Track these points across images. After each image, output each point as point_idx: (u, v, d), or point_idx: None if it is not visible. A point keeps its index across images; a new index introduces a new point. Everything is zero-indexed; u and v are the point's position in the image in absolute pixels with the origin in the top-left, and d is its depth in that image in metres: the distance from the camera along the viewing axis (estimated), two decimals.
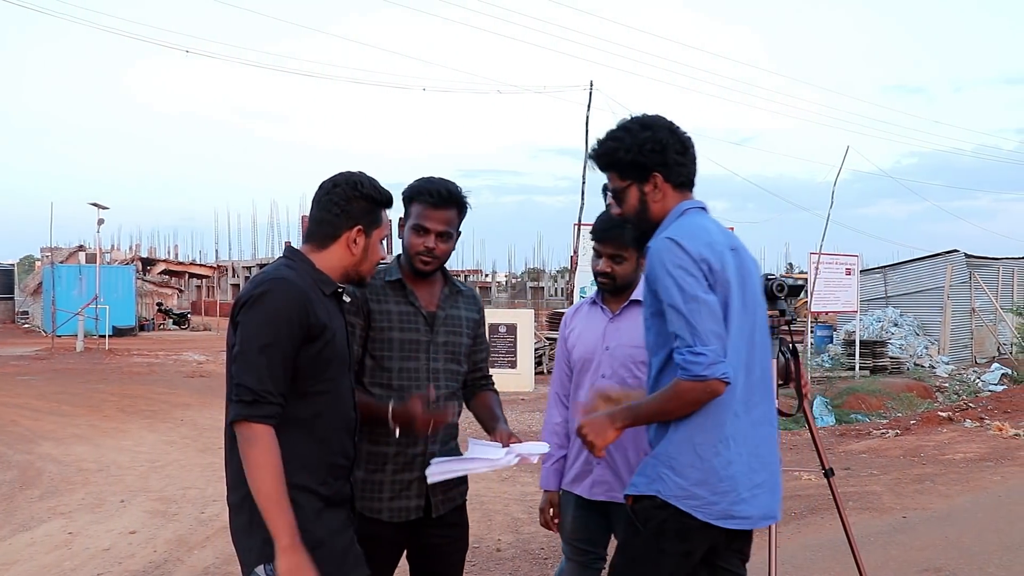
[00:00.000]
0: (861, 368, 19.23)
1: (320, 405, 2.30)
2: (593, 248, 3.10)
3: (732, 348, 2.30)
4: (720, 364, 2.22)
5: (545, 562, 5.27)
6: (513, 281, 60.03)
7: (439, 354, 2.82)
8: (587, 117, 24.61)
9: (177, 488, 7.33)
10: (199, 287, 49.80)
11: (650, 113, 2.49)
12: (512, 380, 14.01)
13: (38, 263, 38.86)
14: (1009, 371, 18.89)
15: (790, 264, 56.70)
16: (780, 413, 3.08)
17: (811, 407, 3.63)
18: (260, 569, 2.20)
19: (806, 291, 16.23)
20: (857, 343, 19.52)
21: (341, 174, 2.40)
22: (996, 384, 17.67)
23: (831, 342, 23.04)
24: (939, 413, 11.68)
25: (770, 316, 3.09)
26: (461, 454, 2.82)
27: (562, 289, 51.39)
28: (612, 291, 3.08)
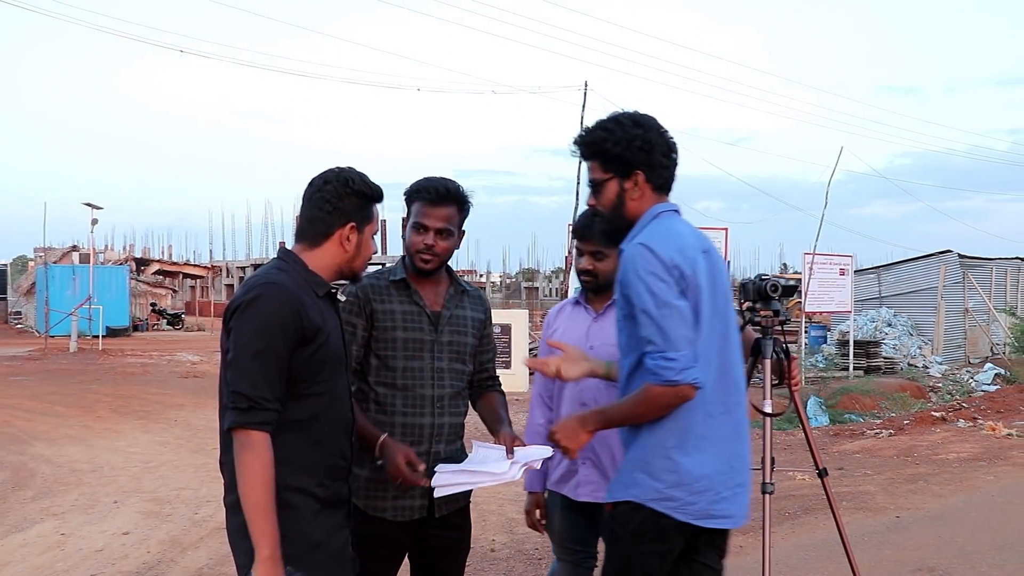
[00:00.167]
0: (855, 368, 19.28)
1: (317, 406, 2.29)
2: (575, 247, 3.10)
3: (704, 350, 2.32)
4: (691, 369, 2.25)
5: (539, 562, 5.27)
6: (508, 281, 59.97)
7: (443, 353, 2.83)
8: (582, 117, 24.73)
9: (171, 489, 7.32)
10: (193, 287, 49.75)
11: (643, 112, 2.49)
12: (506, 380, 13.71)
13: (31, 263, 38.81)
14: (1002, 371, 18.97)
15: (784, 264, 56.87)
16: (773, 413, 3.09)
17: (802, 404, 3.64)
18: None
19: (799, 292, 16.24)
20: (851, 343, 19.56)
21: (331, 171, 2.39)
22: (989, 384, 17.73)
23: (825, 342, 23.10)
24: (932, 413, 11.73)
25: (764, 316, 3.10)
26: (466, 454, 2.83)
27: (556, 289, 51.43)
28: (595, 289, 3.09)
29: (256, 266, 41.06)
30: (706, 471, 2.34)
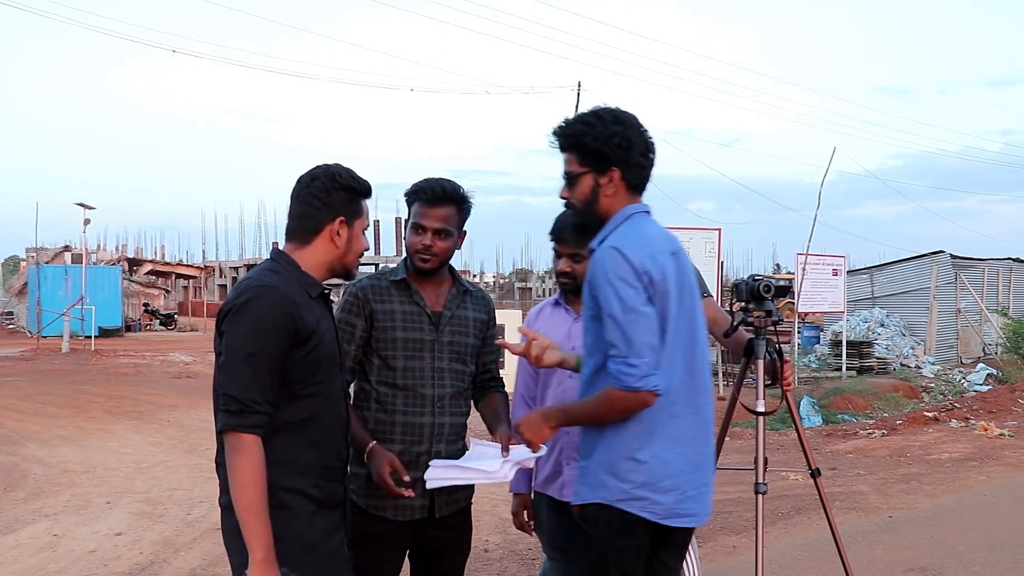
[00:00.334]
0: (848, 368, 19.33)
1: (312, 407, 2.29)
2: (552, 248, 3.10)
3: (670, 353, 2.35)
4: (652, 377, 2.27)
5: (533, 563, 5.27)
6: (501, 281, 59.95)
7: (444, 353, 2.84)
8: None
9: (163, 489, 7.30)
10: (186, 288, 49.57)
11: (624, 110, 2.49)
12: None
13: (23, 263, 38.67)
14: (994, 371, 19.04)
15: (777, 265, 56.83)
16: (766, 412, 3.10)
17: (795, 404, 3.65)
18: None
19: (792, 292, 16.28)
20: (844, 343, 19.62)
21: (318, 167, 2.39)
22: (981, 384, 17.80)
23: (818, 342, 23.16)
24: (925, 413, 11.76)
25: (756, 317, 3.11)
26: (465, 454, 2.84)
27: (550, 290, 51.41)
28: (574, 291, 3.07)
29: (249, 266, 40.97)
30: (672, 471, 2.37)
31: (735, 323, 3.13)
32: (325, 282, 2.41)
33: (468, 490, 2.97)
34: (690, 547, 3.36)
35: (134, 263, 40.89)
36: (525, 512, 3.25)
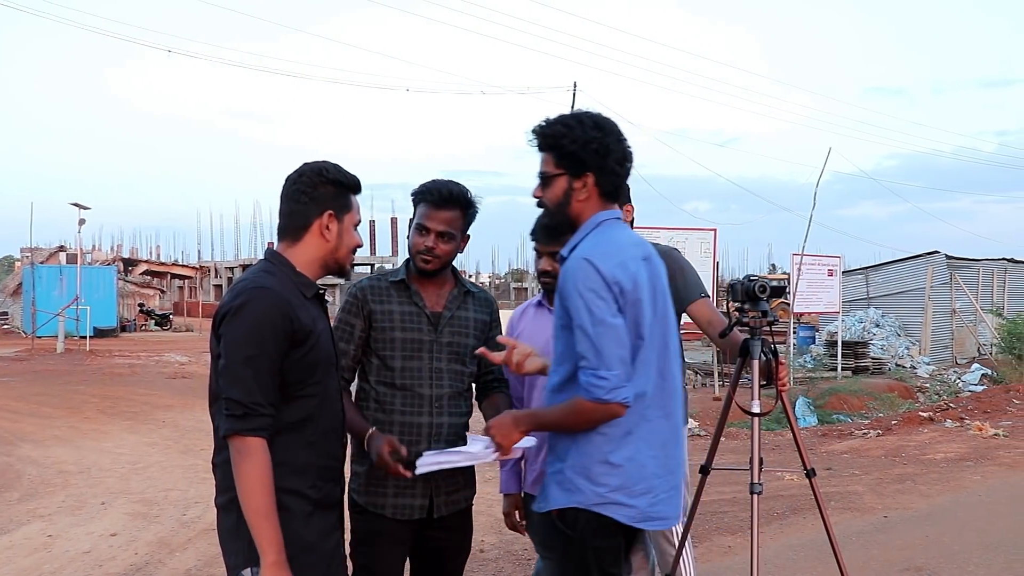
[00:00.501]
0: (843, 369, 19.36)
1: (309, 408, 2.29)
2: (533, 248, 3.09)
3: (646, 357, 2.36)
4: (622, 389, 2.29)
5: (528, 563, 5.27)
6: (497, 282, 59.96)
7: (443, 354, 2.85)
8: None
9: (158, 490, 7.29)
10: (181, 288, 49.50)
11: (605, 116, 2.49)
12: None
13: (18, 263, 38.61)
14: (989, 371, 19.09)
15: (773, 265, 56.99)
16: (760, 413, 3.10)
17: (791, 404, 3.66)
18: (247, 572, 2.18)
19: (788, 292, 16.29)
20: (839, 344, 19.64)
21: (305, 164, 2.39)
22: (976, 384, 17.84)
23: (813, 343, 23.20)
24: (920, 413, 11.78)
25: (752, 317, 3.11)
26: None
27: None
28: (555, 290, 3.08)
29: (244, 267, 40.94)
30: (646, 474, 2.38)
31: (731, 323, 3.13)
32: (320, 282, 2.41)
33: (468, 492, 2.98)
34: (686, 547, 3.37)
35: (129, 263, 40.85)
36: (517, 512, 3.26)
